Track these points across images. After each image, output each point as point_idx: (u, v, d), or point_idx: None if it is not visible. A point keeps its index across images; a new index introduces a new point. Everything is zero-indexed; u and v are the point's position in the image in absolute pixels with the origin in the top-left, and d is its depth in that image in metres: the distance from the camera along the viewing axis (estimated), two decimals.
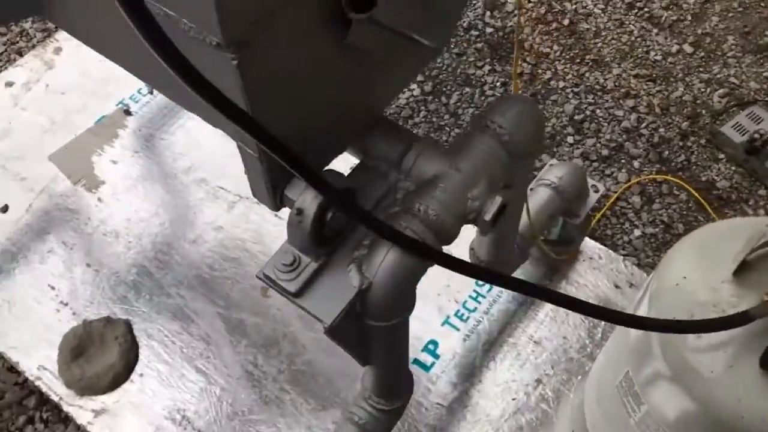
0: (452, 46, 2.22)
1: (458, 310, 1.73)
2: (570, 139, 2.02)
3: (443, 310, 1.73)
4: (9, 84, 2.15)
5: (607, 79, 2.13)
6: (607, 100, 2.09)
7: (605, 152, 1.99)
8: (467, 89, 2.13)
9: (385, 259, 0.92)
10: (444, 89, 2.13)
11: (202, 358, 1.68)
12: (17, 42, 2.27)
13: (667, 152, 1.99)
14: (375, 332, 1.01)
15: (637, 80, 2.13)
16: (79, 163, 2.01)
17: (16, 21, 2.15)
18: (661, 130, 2.03)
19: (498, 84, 2.14)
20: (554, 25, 2.27)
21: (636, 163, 1.97)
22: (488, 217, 0.97)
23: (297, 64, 0.80)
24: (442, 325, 1.71)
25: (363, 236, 0.96)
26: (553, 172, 1.56)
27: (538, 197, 1.54)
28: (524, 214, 1.44)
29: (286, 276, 0.93)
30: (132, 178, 1.98)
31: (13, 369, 1.68)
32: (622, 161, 1.98)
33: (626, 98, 2.10)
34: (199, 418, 1.61)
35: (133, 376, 1.67)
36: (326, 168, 0.97)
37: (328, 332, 0.91)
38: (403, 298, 0.97)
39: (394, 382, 1.24)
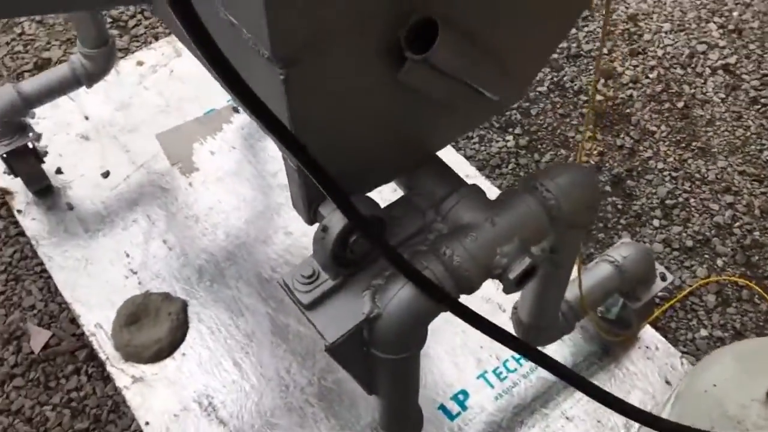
0: (558, 105, 2.21)
1: (497, 368, 1.70)
2: (656, 223, 1.95)
3: (482, 363, 1.71)
4: (140, 63, 2.33)
5: (710, 169, 2.05)
6: (704, 191, 2.01)
7: (689, 243, 1.91)
8: (563, 151, 2.11)
9: (398, 294, 0.94)
10: (539, 146, 2.12)
11: (242, 353, 1.74)
12: (156, 27, 2.46)
13: (756, 257, 1.88)
14: (380, 363, 1.03)
15: (742, 177, 2.04)
16: (180, 147, 2.14)
17: (125, 5, 2.30)
18: (756, 233, 1.92)
19: (595, 152, 2.10)
20: (667, 105, 2.21)
21: (720, 262, 1.87)
22: (512, 275, 0.97)
23: (347, 91, 0.84)
24: (478, 378, 1.69)
25: (385, 266, 0.98)
26: (619, 250, 1.52)
27: (597, 271, 1.51)
28: (577, 286, 1.41)
29: (302, 287, 0.96)
30: (224, 170, 2.09)
31: (74, 321, 1.80)
32: (706, 256, 1.89)
33: (725, 193, 2.01)
34: (224, 408, 1.66)
35: (176, 353, 1.75)
36: (367, 193, 1.00)
37: (329, 350, 0.94)
38: (410, 335, 0.98)
39: (400, 416, 1.24)
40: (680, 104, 2.21)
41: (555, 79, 2.28)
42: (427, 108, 0.95)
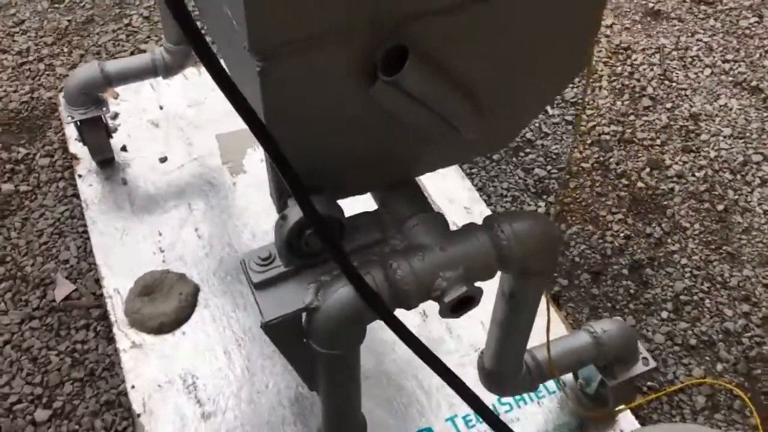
0: (597, 184, 2.25)
1: (468, 415, 1.73)
2: (664, 315, 1.95)
3: (454, 407, 1.74)
4: None
5: (733, 275, 2.03)
6: (722, 295, 1.99)
7: (693, 341, 1.89)
8: (590, 227, 2.14)
9: (339, 291, 1.02)
10: (568, 218, 2.16)
11: (235, 344, 1.84)
12: None
13: (759, 371, 1.84)
14: (318, 357, 1.10)
15: (765, 289, 2.00)
16: (235, 149, 2.30)
17: None
18: (765, 347, 1.89)
19: (621, 235, 2.12)
20: (707, 205, 2.21)
21: (720, 367, 1.85)
22: (447, 299, 1.03)
23: (321, 96, 0.94)
24: (446, 420, 1.72)
25: (336, 265, 1.06)
26: (602, 324, 1.54)
27: (574, 338, 1.53)
28: (552, 347, 1.45)
29: (257, 268, 1.05)
30: (266, 178, 2.22)
31: (98, 281, 1.96)
32: (706, 358, 1.86)
33: (744, 302, 1.98)
34: (204, 390, 1.76)
35: (177, 331, 1.87)
36: (341, 200, 1.09)
37: (263, 327, 1.02)
38: (342, 332, 1.05)
39: (341, 422, 1.30)
40: (720, 207, 2.20)
41: (601, 158, 2.32)
42: (401, 131, 1.04)
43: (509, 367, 1.42)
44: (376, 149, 1.06)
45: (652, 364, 1.60)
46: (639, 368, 1.60)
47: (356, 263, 1.03)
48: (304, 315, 1.05)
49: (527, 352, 1.47)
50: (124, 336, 1.85)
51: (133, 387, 1.76)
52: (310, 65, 0.90)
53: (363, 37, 0.90)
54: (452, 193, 2.17)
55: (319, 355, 1.09)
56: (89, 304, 1.95)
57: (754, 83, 2.54)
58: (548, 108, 2.46)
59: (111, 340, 1.87)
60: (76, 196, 2.17)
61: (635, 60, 2.63)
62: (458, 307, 1.05)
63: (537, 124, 2.42)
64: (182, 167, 2.25)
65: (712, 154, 2.34)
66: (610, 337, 1.52)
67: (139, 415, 1.72)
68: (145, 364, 1.80)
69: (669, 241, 2.12)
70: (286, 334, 1.06)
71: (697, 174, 2.29)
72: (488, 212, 2.12)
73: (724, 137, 2.39)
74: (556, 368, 1.49)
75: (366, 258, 1.07)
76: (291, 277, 1.06)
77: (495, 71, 1.03)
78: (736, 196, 2.23)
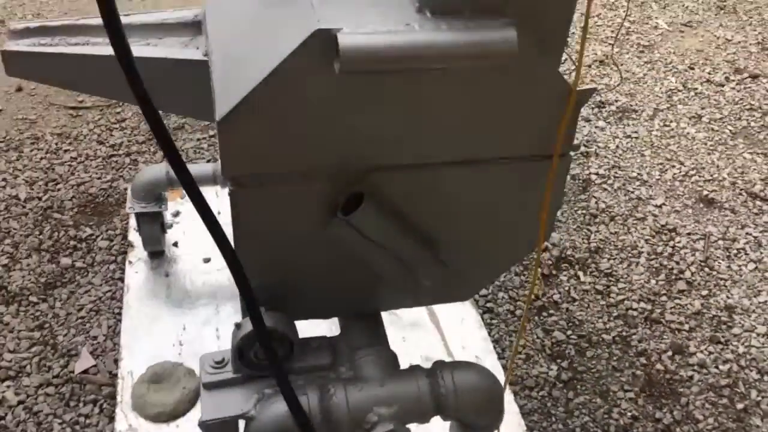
0: (614, 358, 2.23)
1: None
2: None
3: None
4: None
5: None
6: None
7: None
8: (597, 400, 2.11)
9: (273, 406, 1.09)
10: (578, 387, 2.14)
11: None
12: None
13: None
14: None
15: None
16: None
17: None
18: None
19: (629, 414, 2.08)
20: (725, 401, 2.13)
21: None
22: (372, 431, 1.08)
23: (285, 223, 1.06)
24: None
25: None
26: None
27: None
28: None
29: (210, 369, 1.15)
30: None
31: (116, 361, 2.09)
32: None
33: None
34: None
35: (172, 423, 1.95)
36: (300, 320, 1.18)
37: (200, 425, 1.10)
38: None
39: None
40: (740, 406, 2.12)
41: (624, 333, 2.31)
42: (359, 267, 1.13)
43: None
44: (336, 279, 1.16)
45: None
46: None
47: (300, 382, 1.11)
48: (242, 421, 1.12)
49: None
50: (124, 417, 1.95)
51: None
52: (277, 197, 1.02)
53: (327, 181, 1.02)
54: (466, 340, 2.20)
55: None
56: (103, 381, 2.07)
57: None
58: (580, 273, 2.49)
59: (112, 419, 1.96)
60: (122, 279, 2.35)
61: (678, 242, 2.64)
62: None
63: (567, 288, 2.45)
64: (220, 270, 2.40)
65: (741, 349, 2.28)
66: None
67: None
68: None
69: (678, 430, 2.05)
70: None
71: (721, 367, 2.23)
72: (498, 366, 2.14)
73: (758, 335, 2.33)
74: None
75: (311, 379, 1.14)
76: (239, 384, 1.14)
77: (451, 228, 1.12)
78: (759, 398, 2.15)
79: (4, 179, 2.70)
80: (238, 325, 1.11)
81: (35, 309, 2.26)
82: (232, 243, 1.02)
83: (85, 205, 2.63)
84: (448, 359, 2.11)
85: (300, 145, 0.98)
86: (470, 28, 0.89)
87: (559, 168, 1.08)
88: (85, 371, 2.09)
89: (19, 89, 3.13)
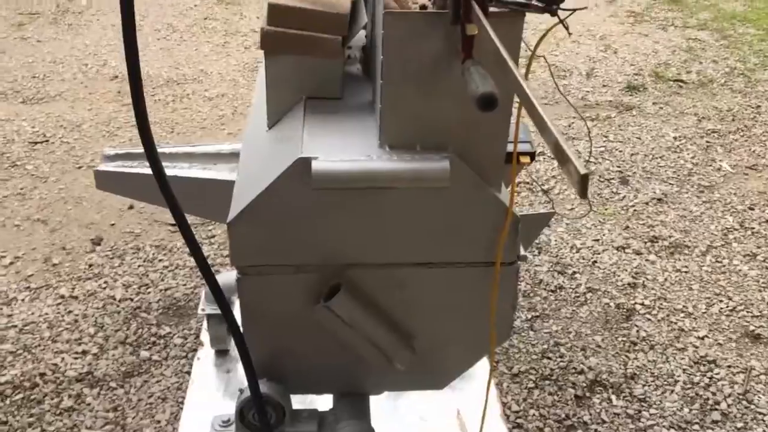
0: None
1: None
2: None
3: None
4: None
5: None
6: None
7: None
8: None
9: None
10: None
11: None
12: None
13: None
14: None
15: None
16: None
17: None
18: None
19: None
20: None
21: None
22: None
23: (280, 306, 1.33)
24: None
25: None
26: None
27: None
28: None
29: (218, 427, 1.40)
30: None
31: None
32: None
33: None
34: None
35: None
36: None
37: None
38: None
39: None
40: None
41: None
42: (342, 350, 1.37)
43: None
44: (324, 359, 1.40)
45: None
46: None
47: None
48: None
49: None
50: None
51: None
52: (272, 284, 1.31)
53: (313, 273, 1.30)
54: None
55: None
56: None
57: None
58: (613, 397, 2.58)
59: None
60: (189, 373, 2.66)
61: (717, 374, 2.68)
62: None
63: (598, 411, 2.53)
64: None
65: None
66: None
67: None
68: None
69: None
70: None
71: None
72: None
73: None
74: None
75: None
76: None
77: (418, 320, 1.35)
78: None
79: (105, 282, 3.14)
80: (241, 391, 1.36)
81: (113, 393, 2.59)
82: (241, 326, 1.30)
83: (169, 307, 3.01)
84: None
85: (290, 244, 1.26)
86: (415, 160, 1.17)
87: (506, 273, 1.30)
88: None
89: (131, 207, 3.65)
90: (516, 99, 1.26)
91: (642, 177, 3.95)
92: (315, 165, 1.15)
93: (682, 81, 5.15)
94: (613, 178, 3.93)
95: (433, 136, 1.21)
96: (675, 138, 4.36)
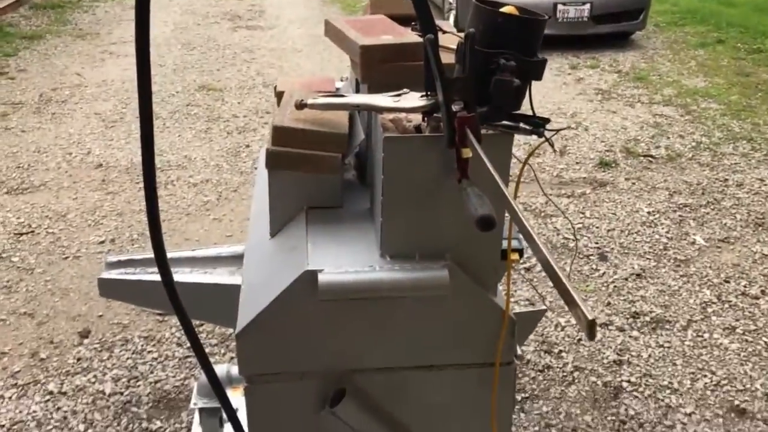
0: None
1: None
2: None
3: None
4: None
5: None
6: None
7: None
8: None
9: None
10: None
11: None
12: None
13: None
14: None
15: None
16: None
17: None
18: None
19: None
20: None
21: None
22: None
23: (287, 411, 1.37)
24: None
25: None
26: None
27: None
28: None
29: None
30: None
31: None
32: None
33: None
34: None
35: None
36: None
37: None
38: None
39: None
40: None
41: None
42: None
43: None
44: None
45: None
46: None
47: None
48: None
49: None
50: None
51: None
52: (280, 391, 1.35)
53: (318, 379, 1.34)
54: None
55: None
56: None
57: None
58: None
59: None
60: None
61: None
62: None
63: None
64: None
65: None
66: None
67: None
68: None
69: None
70: None
71: None
72: None
73: None
74: None
75: None
76: None
77: (421, 422, 1.40)
78: None
79: (95, 376, 3.13)
80: None
81: None
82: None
83: (159, 400, 3.00)
84: None
85: (296, 352, 1.31)
86: (416, 270, 1.24)
87: (504, 373, 1.36)
88: None
89: None
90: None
91: (620, 252, 4.06)
92: (321, 277, 1.22)
93: (651, 156, 5.36)
94: (592, 255, 4.03)
95: (431, 245, 1.28)
96: (649, 213, 4.50)
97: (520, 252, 1.56)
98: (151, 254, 1.79)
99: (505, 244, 1.43)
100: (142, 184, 4.15)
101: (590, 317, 0.85)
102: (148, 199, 1.17)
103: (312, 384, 1.34)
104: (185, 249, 1.80)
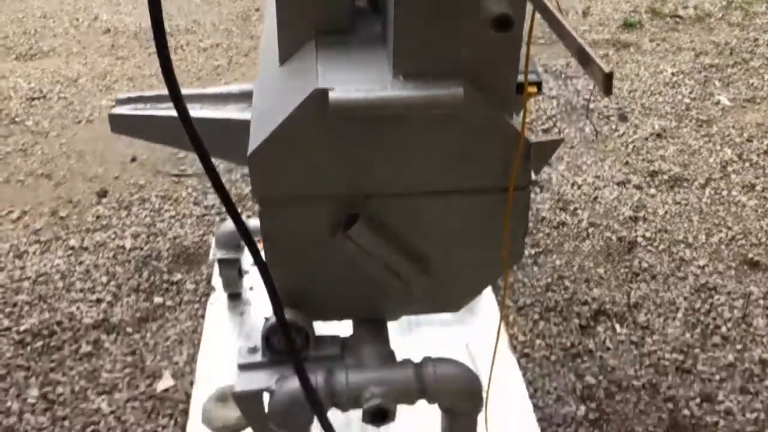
0: (642, 403, 2.36)
1: None
2: None
3: None
4: None
5: None
6: None
7: None
8: None
9: (288, 383, 1.38)
10: (604, 426, 2.28)
11: None
12: None
13: None
14: None
15: None
16: None
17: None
18: None
19: None
20: None
21: None
22: (365, 406, 1.34)
23: (302, 236, 1.37)
24: None
25: None
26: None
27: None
28: None
29: (245, 354, 1.45)
30: None
31: (192, 383, 2.43)
32: None
33: None
34: None
35: None
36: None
37: (233, 395, 1.40)
38: (289, 415, 1.39)
39: None
40: None
41: (654, 381, 2.44)
42: (362, 277, 1.42)
43: None
44: (344, 286, 1.45)
45: None
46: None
47: (313, 367, 1.40)
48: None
49: None
50: (194, 428, 2.27)
51: None
52: (293, 215, 1.35)
53: (332, 204, 1.34)
54: (500, 379, 2.40)
55: None
56: (180, 399, 2.41)
57: None
58: (617, 326, 2.65)
59: (184, 429, 2.29)
60: (203, 316, 2.72)
61: (717, 300, 2.75)
62: (375, 417, 1.35)
63: (602, 339, 2.61)
64: None
65: None
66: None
67: None
68: None
69: None
70: (254, 407, 1.42)
71: (748, 415, 2.31)
72: (529, 402, 2.32)
73: None
74: None
75: (322, 365, 1.42)
76: (268, 366, 1.44)
77: (434, 247, 1.40)
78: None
79: (114, 233, 3.18)
80: (266, 318, 1.41)
81: (130, 338, 2.65)
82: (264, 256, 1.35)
83: (179, 254, 3.06)
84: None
85: (309, 175, 1.29)
86: (429, 87, 1.20)
87: (519, 197, 1.35)
88: (165, 390, 2.44)
89: (133, 159, 3.66)
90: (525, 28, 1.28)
91: (641, 113, 3.97)
92: (332, 95, 1.18)
93: (678, 16, 5.13)
94: (612, 115, 3.95)
95: (445, 65, 1.23)
96: (673, 74, 4.36)
97: (538, 85, 1.51)
98: (161, 91, 1.75)
99: (521, 77, 1.37)
100: (151, 50, 4.06)
101: (606, 70, 0.81)
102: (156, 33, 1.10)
103: (326, 208, 1.34)
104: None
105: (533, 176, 1.37)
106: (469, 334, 2.48)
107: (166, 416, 2.36)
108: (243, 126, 1.55)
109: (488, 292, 2.57)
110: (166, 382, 2.47)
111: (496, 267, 1.47)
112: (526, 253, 3.00)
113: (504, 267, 1.43)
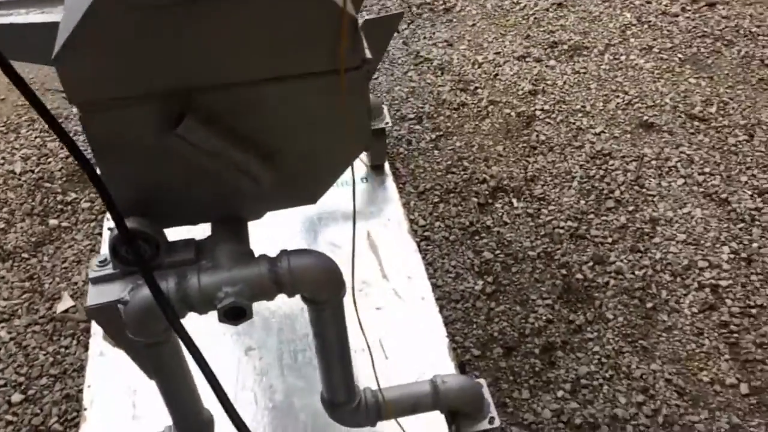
0: (537, 271, 2.42)
1: None
2: (559, 393, 2.07)
3: None
4: None
5: (639, 368, 2.12)
6: (621, 384, 2.09)
7: (578, 421, 2.00)
8: (517, 308, 2.32)
9: (140, 292, 1.35)
10: (500, 297, 2.35)
11: None
12: None
13: None
14: (137, 346, 1.43)
15: (666, 385, 2.07)
16: None
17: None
18: None
19: (544, 318, 2.28)
20: (636, 301, 2.31)
21: None
22: (219, 306, 1.33)
23: (131, 140, 1.31)
24: None
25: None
26: (441, 377, 1.74)
27: (414, 385, 1.74)
28: (399, 389, 1.67)
29: (96, 268, 1.42)
30: None
31: None
32: None
33: (641, 393, 2.06)
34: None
35: None
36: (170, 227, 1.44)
37: (86, 310, 1.37)
38: (143, 323, 1.37)
39: (181, 416, 1.60)
40: (649, 305, 2.30)
41: (549, 249, 2.50)
42: (204, 177, 1.37)
43: (340, 396, 1.65)
44: (189, 189, 1.41)
45: (497, 423, 1.76)
46: (484, 425, 1.76)
47: (165, 272, 1.37)
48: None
49: (367, 389, 1.70)
50: (97, 346, 2.26)
51: (89, 386, 2.15)
52: (117, 118, 1.28)
53: (158, 102, 1.27)
54: (401, 263, 2.43)
55: (135, 343, 1.41)
56: (81, 318, 2.39)
57: (724, 195, 2.63)
58: (514, 200, 2.69)
59: (86, 348, 2.28)
60: (100, 234, 2.66)
61: (611, 165, 2.80)
62: (231, 316, 1.34)
63: (500, 214, 2.64)
64: None
65: (658, 255, 2.45)
66: (450, 389, 1.71)
67: (85, 409, 2.10)
68: (105, 370, 2.19)
69: (588, 329, 2.25)
70: (110, 321, 1.40)
71: (636, 272, 2.40)
72: (428, 283, 2.36)
73: (677, 242, 2.49)
74: (392, 410, 1.69)
75: (176, 271, 1.40)
76: (119, 278, 1.41)
77: (276, 138, 1.35)
78: (668, 297, 2.32)
79: (3, 157, 3.04)
80: (110, 229, 1.37)
81: (26, 264, 2.59)
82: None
83: (73, 174, 2.95)
84: (382, 280, 2.36)
85: (123, 74, 1.22)
86: None
87: (354, 78, 1.30)
88: (66, 311, 2.41)
89: None
90: None
91: None
92: None
93: None
94: None
95: None
96: None
97: None
98: None
99: None
100: None
101: None
102: None
103: (149, 108, 1.27)
104: None
105: (367, 55, 1.32)
106: (370, 225, 2.48)
107: (68, 337, 2.34)
108: (50, 29, 1.44)
109: (390, 184, 2.56)
110: (65, 303, 2.43)
111: (346, 153, 1.43)
112: (427, 138, 2.98)
113: (352, 152, 1.40)
